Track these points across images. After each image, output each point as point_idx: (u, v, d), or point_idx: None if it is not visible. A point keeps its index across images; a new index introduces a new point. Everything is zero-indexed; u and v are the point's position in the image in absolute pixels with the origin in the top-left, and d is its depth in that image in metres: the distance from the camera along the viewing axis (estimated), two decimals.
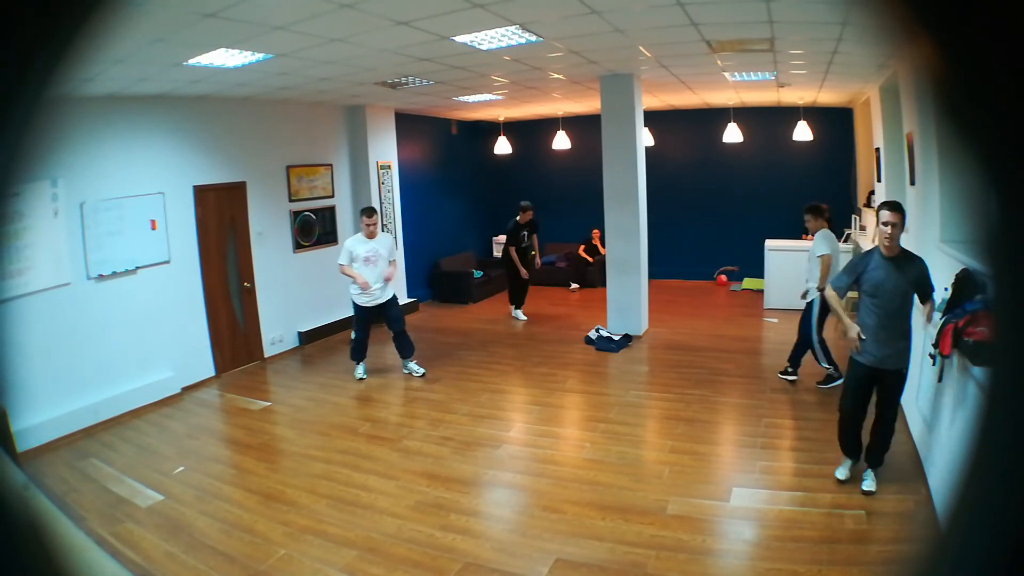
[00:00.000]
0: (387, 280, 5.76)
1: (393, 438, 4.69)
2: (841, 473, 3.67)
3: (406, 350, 6.06)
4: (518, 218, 8.16)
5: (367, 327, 5.95)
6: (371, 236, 5.68)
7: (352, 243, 5.75)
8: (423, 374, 6.04)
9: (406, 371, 6.11)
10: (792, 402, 5.09)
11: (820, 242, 5.25)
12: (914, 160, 4.77)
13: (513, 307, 8.45)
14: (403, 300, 8.83)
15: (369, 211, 5.75)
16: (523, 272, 8.16)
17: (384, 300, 5.82)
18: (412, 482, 3.98)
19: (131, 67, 4.34)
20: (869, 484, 3.53)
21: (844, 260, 7.62)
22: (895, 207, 3.27)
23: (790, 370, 5.52)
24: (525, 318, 8.38)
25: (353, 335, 6.00)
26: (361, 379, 6.03)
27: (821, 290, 5.14)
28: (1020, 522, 0.35)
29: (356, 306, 5.86)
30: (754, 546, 3.17)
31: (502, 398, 5.60)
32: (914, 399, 3.99)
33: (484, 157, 11.29)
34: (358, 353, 6.05)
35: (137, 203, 5.61)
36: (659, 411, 5.09)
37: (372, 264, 5.68)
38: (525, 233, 8.20)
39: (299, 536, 3.40)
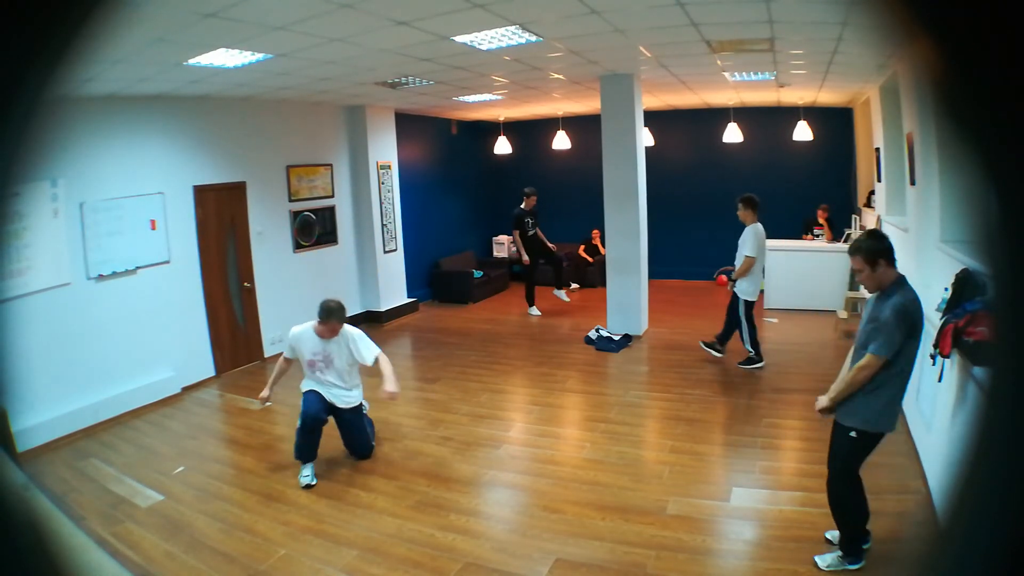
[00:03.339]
0: (390, 396, 3.97)
1: (393, 438, 4.69)
2: None
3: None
4: (523, 205, 8.29)
5: (316, 421, 4.03)
6: (324, 336, 4.05)
7: (297, 336, 4.09)
8: None
9: None
10: (792, 402, 5.08)
11: (748, 240, 5.63)
12: (914, 160, 4.77)
13: (530, 306, 8.52)
14: (403, 300, 8.83)
15: (327, 312, 3.93)
16: (524, 258, 8.30)
17: (345, 407, 4.14)
18: (412, 482, 3.98)
19: (131, 67, 4.34)
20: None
21: (838, 261, 7.59)
22: (853, 251, 2.70)
23: (718, 347, 6.05)
24: (539, 313, 8.48)
25: (299, 421, 4.03)
26: (307, 487, 3.92)
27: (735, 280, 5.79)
28: (1020, 522, 0.35)
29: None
30: (754, 546, 3.17)
31: (502, 398, 5.60)
32: (914, 399, 4.00)
33: (484, 157, 11.28)
34: (303, 451, 4.03)
35: (137, 203, 5.61)
36: (659, 411, 5.09)
37: (318, 371, 4.07)
38: (530, 220, 8.30)
39: (299, 536, 3.40)
